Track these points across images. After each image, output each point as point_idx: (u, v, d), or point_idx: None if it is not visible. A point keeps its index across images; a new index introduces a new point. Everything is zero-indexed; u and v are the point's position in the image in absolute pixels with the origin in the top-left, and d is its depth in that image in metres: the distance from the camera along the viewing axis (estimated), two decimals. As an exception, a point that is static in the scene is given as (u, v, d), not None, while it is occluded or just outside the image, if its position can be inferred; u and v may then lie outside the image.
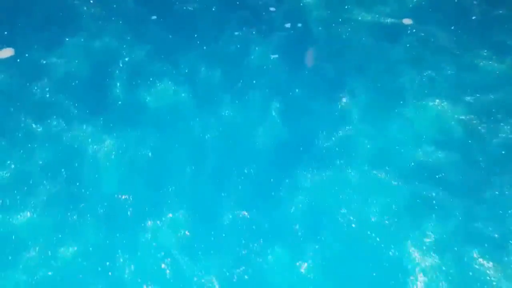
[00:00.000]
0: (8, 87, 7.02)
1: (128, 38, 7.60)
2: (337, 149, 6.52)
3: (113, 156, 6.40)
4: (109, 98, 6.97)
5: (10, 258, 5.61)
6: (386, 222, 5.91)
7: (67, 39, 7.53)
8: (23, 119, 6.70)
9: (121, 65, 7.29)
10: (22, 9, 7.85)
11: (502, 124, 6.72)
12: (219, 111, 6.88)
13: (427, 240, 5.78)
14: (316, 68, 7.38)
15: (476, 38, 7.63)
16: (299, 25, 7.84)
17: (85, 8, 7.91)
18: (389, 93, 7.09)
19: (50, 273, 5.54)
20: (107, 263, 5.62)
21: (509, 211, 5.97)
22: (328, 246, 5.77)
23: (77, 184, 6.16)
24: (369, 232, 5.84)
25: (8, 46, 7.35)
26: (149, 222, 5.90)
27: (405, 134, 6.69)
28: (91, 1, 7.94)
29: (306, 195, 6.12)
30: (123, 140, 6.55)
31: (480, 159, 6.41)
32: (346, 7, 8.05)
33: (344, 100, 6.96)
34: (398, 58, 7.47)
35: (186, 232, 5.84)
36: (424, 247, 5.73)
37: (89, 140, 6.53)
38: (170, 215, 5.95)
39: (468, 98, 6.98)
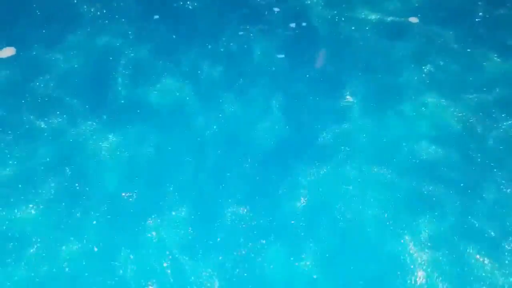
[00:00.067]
0: (11, 85, 7.06)
1: (131, 36, 7.65)
2: (337, 145, 6.59)
3: (115, 154, 6.44)
4: (112, 96, 7.01)
5: (13, 255, 5.63)
6: (385, 216, 5.97)
7: (68, 37, 7.57)
8: (26, 116, 6.74)
9: (124, 63, 7.35)
10: (22, 8, 7.88)
11: (501, 121, 6.80)
12: (222, 108, 6.93)
13: (424, 236, 5.83)
14: (320, 66, 7.45)
15: (480, 37, 7.71)
16: (304, 24, 7.89)
17: (85, 7, 7.94)
18: (390, 91, 7.16)
19: (52, 270, 5.56)
20: (109, 261, 5.64)
21: (506, 208, 6.03)
22: (328, 243, 5.82)
23: (80, 181, 6.19)
24: (367, 228, 5.89)
25: (9, 45, 7.38)
26: (151, 220, 5.93)
27: (405, 131, 6.76)
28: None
29: (307, 192, 6.17)
30: (125, 137, 6.60)
31: (479, 156, 6.48)
32: (350, 5, 8.11)
33: (350, 98, 7.02)
34: (401, 56, 7.54)
35: (189, 229, 5.88)
36: (422, 243, 5.78)
37: (92, 137, 6.58)
38: (174, 213, 5.99)
39: (469, 96, 7.05)
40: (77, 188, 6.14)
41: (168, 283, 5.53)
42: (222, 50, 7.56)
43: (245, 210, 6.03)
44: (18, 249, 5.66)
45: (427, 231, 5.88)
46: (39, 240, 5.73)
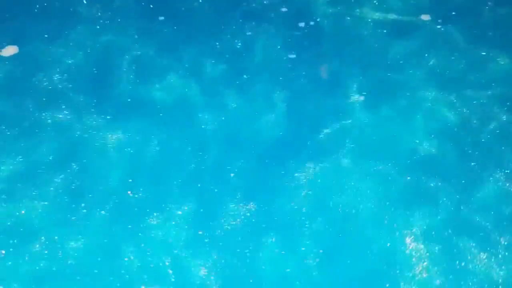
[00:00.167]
0: (15, 81, 7.08)
1: (135, 32, 7.71)
2: (339, 142, 6.70)
3: (120, 150, 6.49)
4: (117, 92, 7.06)
5: (17, 250, 5.65)
6: (384, 211, 6.10)
7: (71, 34, 7.60)
8: (30, 111, 6.77)
9: (128, 60, 7.41)
10: (23, 6, 7.89)
11: (502, 119, 6.97)
12: (225, 105, 7.02)
13: (420, 230, 5.96)
14: (324, 63, 7.60)
15: (488, 36, 7.84)
16: (312, 23, 7.98)
17: (88, 3, 8.00)
18: (392, 88, 7.29)
19: (57, 266, 5.59)
20: (113, 258, 5.69)
21: (503, 202, 6.20)
22: (328, 238, 5.93)
23: (85, 177, 6.23)
24: (366, 224, 6.01)
25: (12, 43, 7.38)
26: (153, 218, 5.98)
27: (406, 127, 6.91)
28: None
29: (308, 189, 6.26)
30: (130, 133, 6.65)
31: (476, 151, 6.64)
32: (359, 3, 8.21)
33: (359, 97, 7.14)
34: (405, 53, 7.66)
35: (191, 227, 5.94)
36: (418, 237, 5.90)
37: (97, 133, 6.62)
38: (176, 210, 6.05)
39: (471, 94, 7.21)
40: (82, 184, 6.17)
41: (169, 281, 5.58)
42: (227, 48, 7.63)
43: (247, 207, 6.10)
44: (23, 245, 5.68)
45: (423, 225, 5.99)
46: (43, 236, 5.75)
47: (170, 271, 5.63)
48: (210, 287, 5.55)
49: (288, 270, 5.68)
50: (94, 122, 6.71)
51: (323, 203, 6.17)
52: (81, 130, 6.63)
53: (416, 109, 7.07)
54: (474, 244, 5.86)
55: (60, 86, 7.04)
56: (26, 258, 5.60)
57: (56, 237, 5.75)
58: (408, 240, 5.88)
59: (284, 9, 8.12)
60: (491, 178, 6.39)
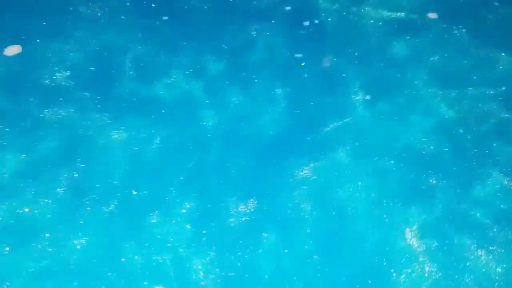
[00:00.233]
0: (18, 80, 7.13)
1: (137, 31, 7.77)
2: (340, 139, 6.78)
3: (123, 148, 6.55)
4: (119, 90, 7.12)
5: (21, 248, 5.69)
6: (384, 206, 6.19)
7: (74, 32, 7.64)
8: (34, 109, 6.80)
9: (130, 57, 7.47)
10: (26, 6, 7.93)
11: (502, 117, 7.06)
12: (228, 103, 7.09)
13: (419, 226, 6.03)
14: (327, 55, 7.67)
15: (493, 35, 7.92)
16: (316, 21, 8.03)
17: (89, 2, 8.05)
18: (392, 85, 7.37)
19: (58, 264, 5.63)
20: (115, 256, 5.74)
21: (501, 199, 6.27)
22: (328, 235, 6.01)
23: (87, 174, 6.28)
24: (367, 220, 6.09)
25: (15, 43, 7.43)
26: (155, 216, 6.04)
27: (405, 124, 6.98)
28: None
29: (308, 186, 6.34)
30: (131, 131, 6.70)
31: (475, 149, 6.72)
32: (366, 1, 8.28)
33: (364, 97, 7.19)
34: (409, 51, 7.73)
35: (192, 225, 5.99)
36: (416, 233, 5.98)
37: (100, 130, 6.68)
38: (184, 210, 6.11)
39: (472, 92, 7.28)
40: (85, 181, 6.22)
41: (171, 278, 5.63)
42: (230, 47, 7.70)
43: (248, 205, 6.16)
44: (26, 242, 5.72)
45: (421, 222, 6.07)
46: (47, 233, 5.80)
47: (171, 269, 5.68)
48: (210, 284, 5.60)
49: (288, 267, 5.75)
50: (97, 120, 6.76)
51: (323, 200, 6.24)
52: (84, 128, 6.68)
53: (416, 107, 7.13)
54: (471, 241, 5.93)
55: (63, 84, 7.09)
56: (30, 255, 5.64)
57: (59, 235, 5.80)
58: (406, 236, 5.95)
59: (287, 8, 8.17)
60: (489, 175, 6.45)
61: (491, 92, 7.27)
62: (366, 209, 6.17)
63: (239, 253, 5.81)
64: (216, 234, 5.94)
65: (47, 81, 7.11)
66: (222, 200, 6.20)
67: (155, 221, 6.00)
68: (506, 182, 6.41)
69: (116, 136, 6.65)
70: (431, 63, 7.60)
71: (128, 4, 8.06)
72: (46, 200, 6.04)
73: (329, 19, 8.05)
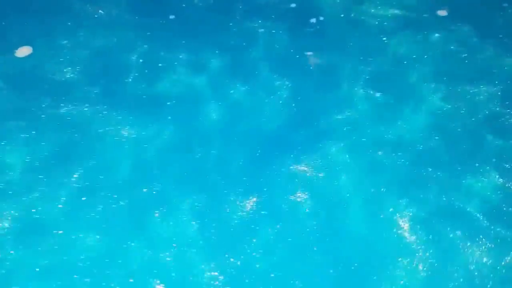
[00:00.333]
0: (30, 78, 7.29)
1: (144, 29, 7.94)
2: (340, 133, 6.93)
3: (131, 145, 6.68)
4: (127, 88, 7.28)
5: (33, 244, 5.80)
6: (380, 198, 6.32)
7: (82, 32, 7.83)
8: (45, 107, 6.97)
9: (136, 56, 7.63)
10: (35, 6, 8.15)
11: (502, 116, 7.14)
12: (232, 99, 7.23)
13: (412, 219, 6.16)
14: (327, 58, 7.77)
15: (499, 34, 8.00)
16: (321, 18, 8.15)
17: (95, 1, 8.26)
18: (393, 84, 7.50)
19: (70, 261, 5.72)
20: (123, 253, 5.83)
21: (495, 194, 6.38)
22: (328, 231, 6.12)
23: (98, 172, 6.41)
24: (366, 214, 6.22)
25: (26, 44, 7.59)
26: (158, 213, 6.13)
27: (404, 120, 7.12)
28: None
29: (309, 184, 6.46)
30: (140, 128, 6.85)
31: (469, 143, 6.86)
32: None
33: (377, 94, 7.33)
34: (411, 49, 7.84)
35: (196, 222, 6.07)
36: (410, 226, 6.10)
37: (109, 129, 6.82)
38: (183, 206, 6.22)
39: (473, 90, 7.37)
40: (96, 179, 6.34)
41: (174, 274, 5.72)
42: (234, 44, 7.85)
43: (251, 201, 6.27)
44: (39, 239, 5.84)
45: (415, 214, 6.19)
46: (59, 230, 5.91)
47: (173, 265, 5.78)
48: (214, 278, 5.69)
49: (288, 260, 5.87)
50: (106, 118, 6.91)
51: (323, 195, 6.37)
52: (94, 125, 6.85)
53: (416, 102, 7.26)
54: (463, 234, 6.03)
55: (73, 83, 7.25)
56: (42, 252, 5.74)
57: (69, 232, 5.91)
58: (401, 227, 6.07)
59: (293, 5, 8.30)
60: (481, 170, 6.57)
61: (492, 90, 7.36)
62: (363, 202, 6.30)
63: (241, 248, 5.91)
64: (218, 231, 6.05)
65: (57, 81, 7.27)
66: (224, 195, 6.30)
67: (159, 218, 6.10)
68: (497, 177, 6.51)
69: (125, 132, 6.78)
70: (434, 60, 7.71)
71: (135, 4, 8.23)
72: (57, 198, 6.15)
73: (334, 16, 8.19)
